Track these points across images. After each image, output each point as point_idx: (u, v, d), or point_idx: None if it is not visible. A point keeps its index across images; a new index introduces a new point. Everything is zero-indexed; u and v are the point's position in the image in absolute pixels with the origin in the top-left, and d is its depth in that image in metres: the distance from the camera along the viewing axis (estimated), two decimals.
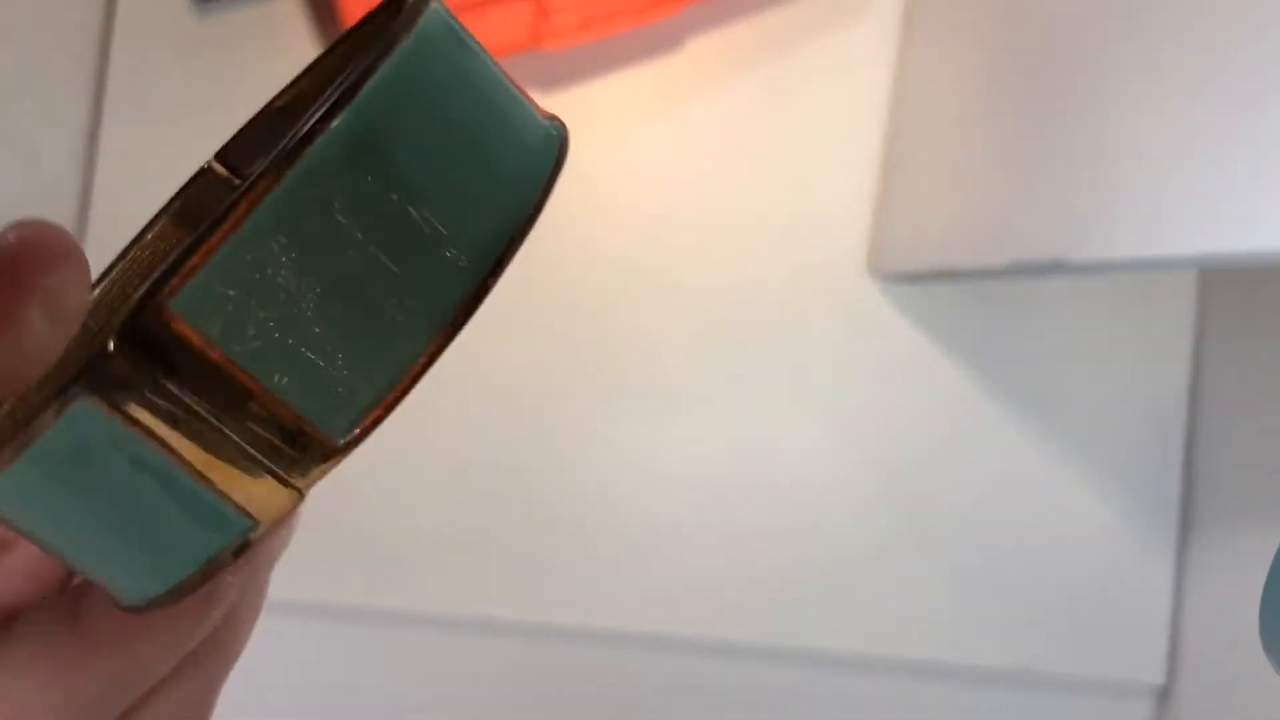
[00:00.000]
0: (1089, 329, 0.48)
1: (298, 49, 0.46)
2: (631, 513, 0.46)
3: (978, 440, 0.48)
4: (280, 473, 0.16)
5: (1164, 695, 0.48)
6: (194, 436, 0.15)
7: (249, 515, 0.16)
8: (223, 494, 0.16)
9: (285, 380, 0.15)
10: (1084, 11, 0.40)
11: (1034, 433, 0.48)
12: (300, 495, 0.16)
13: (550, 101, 0.47)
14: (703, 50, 0.48)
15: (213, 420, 0.15)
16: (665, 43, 0.47)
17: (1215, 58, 0.34)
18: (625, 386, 0.46)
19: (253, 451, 0.16)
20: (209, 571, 0.16)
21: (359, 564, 0.45)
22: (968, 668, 0.47)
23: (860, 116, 0.48)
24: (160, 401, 0.15)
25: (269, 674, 0.45)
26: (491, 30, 0.44)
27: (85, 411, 0.15)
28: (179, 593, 0.17)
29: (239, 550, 0.16)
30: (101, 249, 0.22)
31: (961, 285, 0.48)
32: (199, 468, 0.15)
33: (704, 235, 0.47)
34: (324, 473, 0.16)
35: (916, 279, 0.47)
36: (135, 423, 0.15)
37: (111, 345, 0.14)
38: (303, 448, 0.16)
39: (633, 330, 0.47)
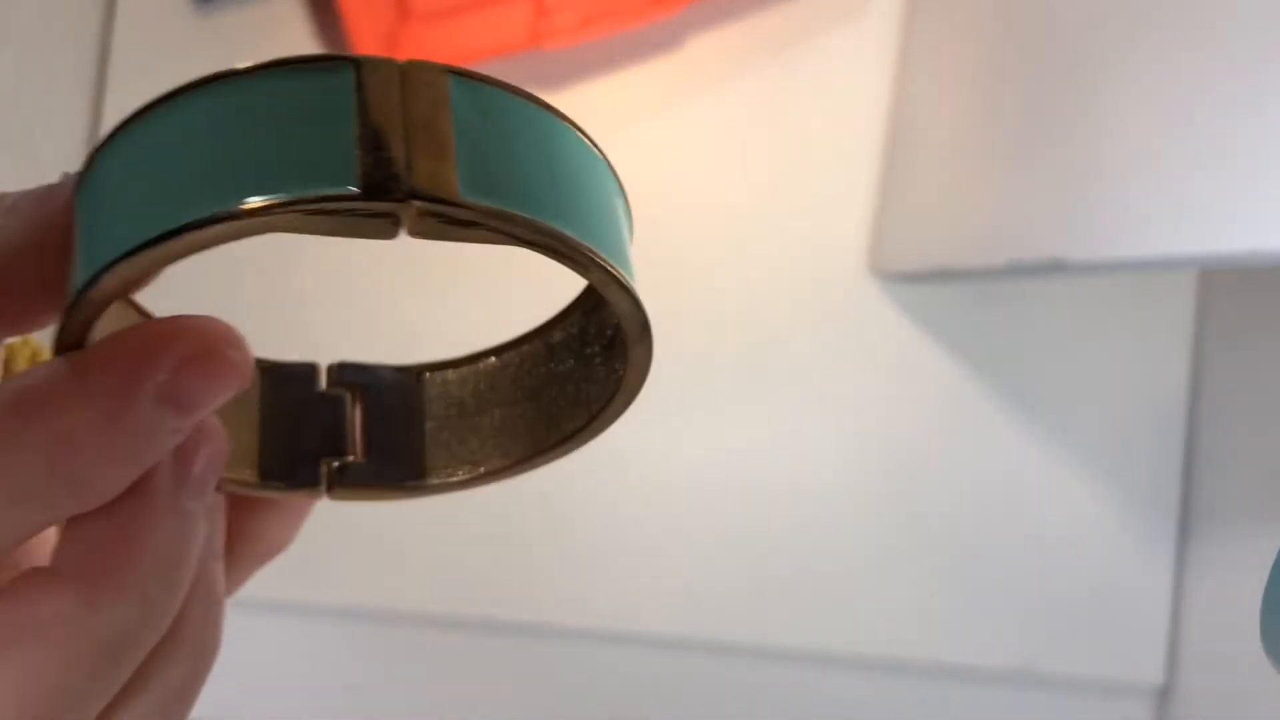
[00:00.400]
0: (1089, 329, 0.48)
1: (297, 48, 0.46)
2: (631, 512, 0.46)
3: (977, 439, 0.48)
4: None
5: (1164, 695, 0.48)
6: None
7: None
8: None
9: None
10: (1084, 12, 0.40)
11: (1034, 432, 0.48)
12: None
13: (550, 101, 0.47)
14: (703, 50, 0.48)
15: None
16: (665, 42, 0.47)
17: (1215, 58, 0.34)
18: None
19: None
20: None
21: (359, 564, 0.45)
22: (967, 668, 0.47)
23: (860, 116, 0.48)
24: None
25: (269, 674, 0.45)
26: (491, 30, 0.44)
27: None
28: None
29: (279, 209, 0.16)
30: None
31: (961, 285, 0.48)
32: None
33: (704, 235, 0.47)
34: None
35: (916, 279, 0.47)
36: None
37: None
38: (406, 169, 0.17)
39: None
